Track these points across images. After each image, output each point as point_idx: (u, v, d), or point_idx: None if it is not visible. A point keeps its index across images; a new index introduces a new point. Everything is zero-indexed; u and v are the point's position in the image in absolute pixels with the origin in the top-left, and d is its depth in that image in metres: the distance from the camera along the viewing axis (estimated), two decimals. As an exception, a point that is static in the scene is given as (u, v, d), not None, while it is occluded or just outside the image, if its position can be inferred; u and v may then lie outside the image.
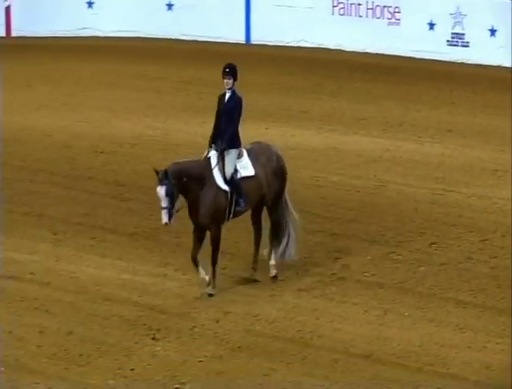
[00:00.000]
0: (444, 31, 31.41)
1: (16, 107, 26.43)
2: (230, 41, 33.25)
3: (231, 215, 16.46)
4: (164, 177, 15.78)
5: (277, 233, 16.86)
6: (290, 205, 17.01)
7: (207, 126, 24.76)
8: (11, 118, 25.40)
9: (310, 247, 18.27)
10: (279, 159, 16.89)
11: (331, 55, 31.95)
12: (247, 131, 24.60)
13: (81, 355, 14.48)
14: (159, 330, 15.30)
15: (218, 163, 16.35)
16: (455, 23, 31.22)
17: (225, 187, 16.20)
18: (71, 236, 18.64)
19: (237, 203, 16.32)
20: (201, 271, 16.20)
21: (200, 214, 16.15)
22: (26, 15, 33.80)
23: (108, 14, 33.32)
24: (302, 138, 24.40)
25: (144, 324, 15.40)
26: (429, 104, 27.41)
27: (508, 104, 26.75)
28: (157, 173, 15.83)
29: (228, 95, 16.52)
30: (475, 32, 31.03)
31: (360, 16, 32.47)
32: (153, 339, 15.03)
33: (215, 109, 16.69)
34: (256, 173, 16.48)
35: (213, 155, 16.42)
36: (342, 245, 18.41)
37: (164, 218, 15.80)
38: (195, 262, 16.16)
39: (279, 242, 16.87)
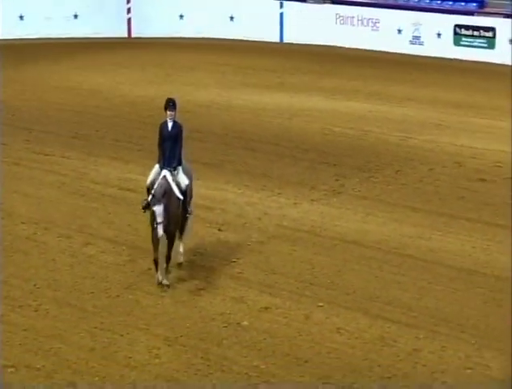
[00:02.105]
0: (407, 34, 30.94)
1: (133, 82, 26.34)
2: (270, 40, 32.96)
3: None
4: (162, 196, 12.44)
5: (184, 226, 13.37)
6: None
7: (256, 96, 24.92)
8: (131, 90, 25.34)
9: (318, 173, 18.13)
10: (190, 170, 13.44)
11: (335, 50, 31.53)
12: (279, 99, 24.63)
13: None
14: (223, 224, 15.27)
15: (173, 178, 12.79)
16: (415, 29, 30.78)
17: (181, 197, 12.85)
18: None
19: (186, 209, 13.10)
20: (159, 273, 12.83)
21: (171, 224, 12.67)
22: (141, 23, 33.59)
23: (192, 24, 32.94)
24: (314, 103, 24.14)
25: (212, 220, 15.34)
26: (398, 81, 27.07)
27: (442, 79, 26.66)
28: (153, 195, 12.49)
29: (170, 124, 12.86)
30: (427, 36, 30.59)
31: (353, 25, 32.01)
32: (219, 230, 15.00)
33: (158, 136, 13.02)
34: (189, 182, 13.10)
35: (167, 173, 12.74)
36: (340, 172, 18.21)
37: (161, 231, 12.42)
38: (157, 264, 12.82)
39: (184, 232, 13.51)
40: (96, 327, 11.69)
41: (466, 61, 29.24)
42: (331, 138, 20.85)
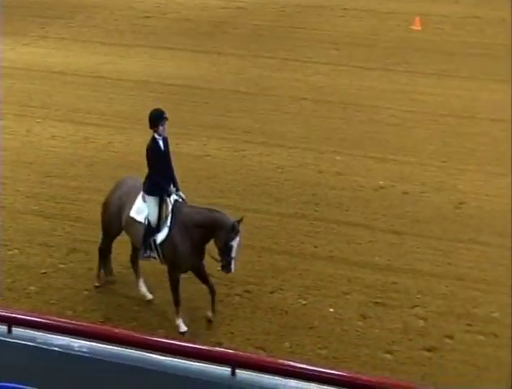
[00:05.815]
0: None
1: None
2: None
3: None
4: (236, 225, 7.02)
5: None
6: None
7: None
8: None
9: (28, 24, 16.48)
10: None
11: None
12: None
13: None
14: None
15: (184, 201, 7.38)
16: None
17: None
18: None
19: None
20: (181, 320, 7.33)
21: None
22: None
23: None
24: None
25: None
26: None
27: None
28: (237, 227, 6.98)
29: (161, 141, 7.24)
30: None
31: None
32: None
33: (149, 161, 7.28)
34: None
35: (176, 197, 7.28)
36: (44, 22, 16.63)
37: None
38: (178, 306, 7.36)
39: None
40: None
41: None
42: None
